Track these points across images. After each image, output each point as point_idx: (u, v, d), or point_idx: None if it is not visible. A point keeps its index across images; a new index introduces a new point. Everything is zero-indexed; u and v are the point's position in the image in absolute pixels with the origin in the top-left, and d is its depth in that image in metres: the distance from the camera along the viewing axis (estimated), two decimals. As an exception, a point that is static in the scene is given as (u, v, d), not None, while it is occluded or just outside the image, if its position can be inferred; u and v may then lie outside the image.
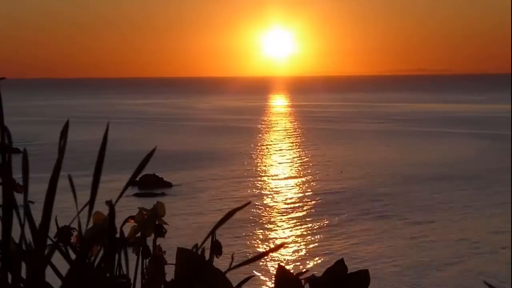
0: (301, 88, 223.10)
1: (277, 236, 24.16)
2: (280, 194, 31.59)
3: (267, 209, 28.13)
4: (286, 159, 44.47)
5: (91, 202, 1.92)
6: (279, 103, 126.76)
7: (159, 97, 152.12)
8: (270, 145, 52.05)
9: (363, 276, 2.38)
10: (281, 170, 39.05)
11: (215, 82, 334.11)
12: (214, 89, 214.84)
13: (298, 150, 49.53)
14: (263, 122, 75.49)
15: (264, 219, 26.33)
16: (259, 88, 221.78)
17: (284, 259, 20.74)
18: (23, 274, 1.87)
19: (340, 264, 2.39)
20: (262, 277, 17.63)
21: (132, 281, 2.11)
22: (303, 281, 2.34)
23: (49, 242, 1.92)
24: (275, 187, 33.40)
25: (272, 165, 41.19)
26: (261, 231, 24.54)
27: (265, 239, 23.40)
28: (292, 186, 33.86)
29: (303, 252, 22.09)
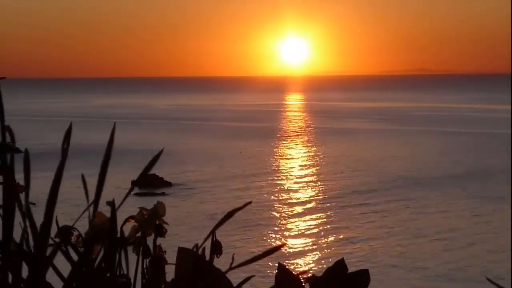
0: (305, 88, 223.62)
1: (276, 235, 24.16)
2: (279, 194, 31.58)
3: (267, 208, 28.12)
4: (286, 158, 44.47)
5: (95, 203, 1.93)
6: (282, 102, 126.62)
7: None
8: (270, 145, 52.04)
9: (363, 276, 2.38)
10: (281, 170, 39.04)
11: (233, 81, 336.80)
12: (231, 88, 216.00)
13: (298, 149, 49.54)
14: (263, 122, 75.46)
15: (264, 218, 26.32)
16: (269, 87, 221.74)
17: (285, 258, 20.74)
18: (24, 274, 1.87)
19: (340, 264, 2.39)
20: (262, 276, 17.62)
21: (132, 280, 2.11)
22: (303, 280, 2.34)
23: (50, 242, 1.93)
24: (275, 187, 33.40)
25: (272, 164, 41.18)
26: (261, 230, 24.53)
27: (265, 239, 23.40)
28: (292, 186, 33.86)
29: (302, 251, 22.09)
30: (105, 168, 1.91)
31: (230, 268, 2.11)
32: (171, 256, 2.23)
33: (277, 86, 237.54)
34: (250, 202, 2.07)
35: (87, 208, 1.95)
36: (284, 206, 28.83)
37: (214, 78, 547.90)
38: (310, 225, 25.64)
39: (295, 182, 34.91)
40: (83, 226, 2.06)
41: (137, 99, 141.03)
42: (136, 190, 31.21)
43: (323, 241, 23.36)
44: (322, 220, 26.41)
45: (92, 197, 1.94)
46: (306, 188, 33.28)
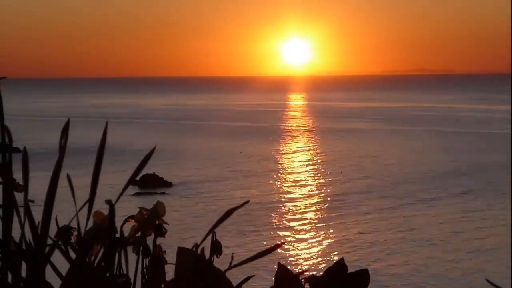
0: (307, 88, 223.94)
1: (275, 234, 24.16)
2: (279, 193, 31.59)
3: (267, 208, 28.13)
4: (286, 159, 44.48)
5: (90, 202, 1.92)
6: (284, 102, 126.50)
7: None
8: (270, 145, 52.04)
9: (363, 276, 2.38)
10: (280, 170, 39.05)
11: (236, 81, 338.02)
12: (233, 88, 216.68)
13: (299, 150, 49.56)
14: (264, 122, 75.48)
15: (263, 218, 26.32)
16: (271, 87, 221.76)
17: (284, 257, 20.73)
18: (23, 273, 1.87)
19: (340, 264, 2.39)
20: (262, 276, 17.62)
21: (132, 280, 2.11)
22: (303, 280, 2.34)
23: (49, 241, 1.92)
24: (275, 186, 33.40)
25: (272, 164, 41.18)
26: (260, 230, 24.53)
27: (264, 238, 23.40)
28: (292, 186, 33.87)
29: (301, 250, 22.10)
30: (99, 167, 1.90)
31: (230, 267, 2.11)
32: (171, 256, 2.23)
33: (279, 86, 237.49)
34: (247, 201, 2.07)
35: (81, 207, 1.95)
36: (283, 206, 28.83)
37: (216, 78, 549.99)
38: (309, 225, 25.64)
39: (295, 182, 34.91)
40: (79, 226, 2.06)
41: (137, 99, 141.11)
42: (136, 190, 31.19)
43: (322, 240, 23.36)
44: (321, 220, 26.40)
45: (86, 196, 1.94)
46: (305, 188, 33.28)
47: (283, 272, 2.33)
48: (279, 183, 34.57)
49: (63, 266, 1.98)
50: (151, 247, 2.23)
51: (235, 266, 2.07)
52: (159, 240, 2.24)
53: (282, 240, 23.23)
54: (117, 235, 2.04)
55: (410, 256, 21.28)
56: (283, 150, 49.22)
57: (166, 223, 2.24)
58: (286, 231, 24.78)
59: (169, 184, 33.13)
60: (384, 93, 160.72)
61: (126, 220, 2.18)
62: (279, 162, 42.54)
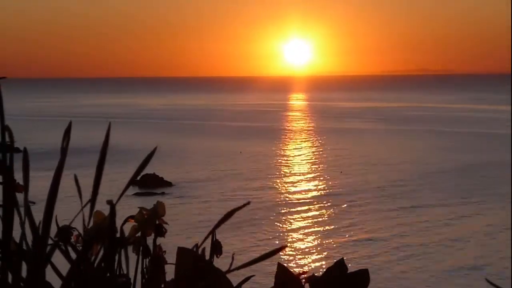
0: (308, 88, 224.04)
1: (275, 235, 24.17)
2: (279, 194, 31.60)
3: (267, 208, 28.13)
4: (286, 158, 44.49)
5: (92, 202, 1.93)
6: (285, 102, 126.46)
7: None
8: (270, 145, 52.04)
9: (363, 276, 2.38)
10: (280, 169, 39.05)
11: (237, 81, 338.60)
12: (234, 88, 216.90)
13: (298, 149, 49.57)
14: (264, 122, 75.48)
15: (264, 218, 26.33)
16: (272, 87, 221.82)
17: (284, 257, 20.74)
18: (24, 273, 1.87)
19: (340, 264, 2.39)
20: (262, 276, 17.62)
21: (132, 280, 2.11)
22: (303, 280, 2.34)
23: (50, 241, 1.92)
24: (275, 186, 33.41)
25: (272, 164, 41.19)
26: (261, 230, 24.54)
27: (264, 239, 23.41)
28: (292, 186, 33.88)
29: (302, 251, 22.11)
30: (101, 167, 1.90)
31: (229, 271, 2.11)
32: (171, 256, 2.23)
33: (280, 86, 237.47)
34: (248, 203, 2.07)
35: (83, 207, 1.95)
36: (283, 206, 28.84)
37: (217, 78, 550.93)
38: (309, 225, 25.65)
39: (295, 182, 34.92)
40: (79, 225, 2.06)
41: (137, 99, 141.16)
42: (136, 190, 31.19)
43: (322, 241, 23.37)
44: (321, 220, 26.41)
45: (88, 196, 1.94)
46: (305, 188, 33.29)
47: (283, 273, 2.33)
48: (279, 183, 34.57)
49: (63, 266, 1.98)
50: (151, 247, 2.23)
51: (236, 269, 2.07)
52: (159, 240, 2.24)
53: (283, 241, 23.22)
54: (117, 235, 2.04)
55: (410, 255, 21.29)
56: (283, 150, 49.23)
57: (166, 223, 2.24)
58: (287, 232, 24.78)
59: (169, 184, 33.14)
60: (384, 93, 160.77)
61: (126, 220, 2.18)
62: (279, 162, 42.54)
